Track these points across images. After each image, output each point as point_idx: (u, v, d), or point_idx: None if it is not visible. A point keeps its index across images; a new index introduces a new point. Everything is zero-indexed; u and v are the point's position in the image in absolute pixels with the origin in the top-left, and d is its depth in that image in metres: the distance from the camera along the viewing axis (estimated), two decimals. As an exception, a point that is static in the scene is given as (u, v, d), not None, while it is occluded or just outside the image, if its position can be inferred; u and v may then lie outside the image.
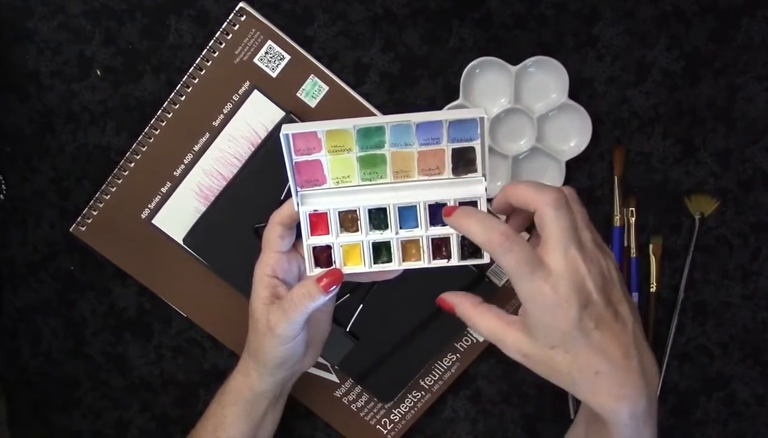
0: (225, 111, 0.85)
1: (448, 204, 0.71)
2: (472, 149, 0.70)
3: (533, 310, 0.62)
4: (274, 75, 0.84)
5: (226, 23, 0.83)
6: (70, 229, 0.89)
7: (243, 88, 0.84)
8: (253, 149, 0.85)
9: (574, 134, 0.85)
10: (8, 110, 0.87)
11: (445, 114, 0.69)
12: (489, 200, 0.71)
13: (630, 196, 0.86)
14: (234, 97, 0.85)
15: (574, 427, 0.75)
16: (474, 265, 0.86)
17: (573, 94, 0.83)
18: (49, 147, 0.88)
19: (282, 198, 0.84)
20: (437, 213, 0.71)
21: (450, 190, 0.71)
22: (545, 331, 0.61)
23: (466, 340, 0.90)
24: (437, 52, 0.85)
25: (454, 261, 0.72)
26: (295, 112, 0.84)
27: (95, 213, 0.88)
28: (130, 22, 0.85)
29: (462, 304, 0.68)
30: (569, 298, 0.60)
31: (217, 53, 0.83)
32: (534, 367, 0.63)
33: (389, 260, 0.73)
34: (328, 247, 0.73)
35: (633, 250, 0.87)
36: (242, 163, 0.85)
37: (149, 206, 0.88)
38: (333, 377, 0.92)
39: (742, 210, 0.87)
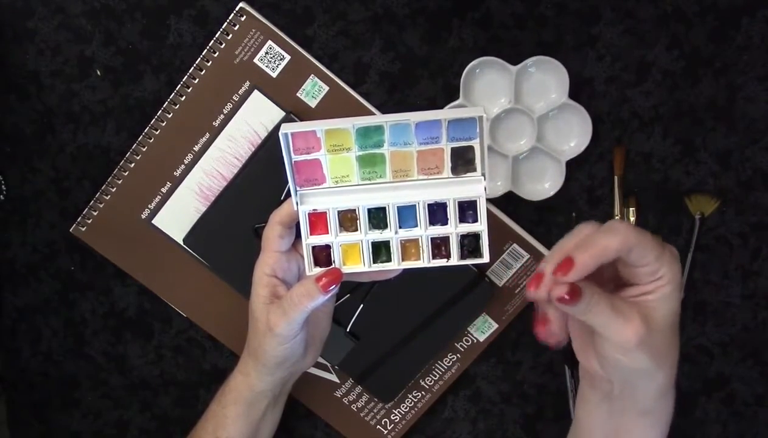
0: (225, 111, 0.85)
1: (448, 204, 0.71)
2: (471, 148, 0.70)
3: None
4: (274, 75, 0.84)
5: (226, 23, 0.83)
6: (70, 229, 0.89)
7: (243, 88, 0.84)
8: (253, 149, 0.85)
9: (574, 134, 0.84)
10: (8, 110, 0.87)
11: (444, 113, 0.69)
12: (490, 200, 0.71)
13: (630, 196, 0.86)
14: (234, 97, 0.85)
15: (592, 411, 0.72)
16: (474, 265, 0.86)
17: (573, 94, 0.83)
18: (49, 147, 0.88)
19: (282, 198, 0.84)
20: (436, 212, 0.71)
21: (449, 189, 0.71)
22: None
23: (466, 340, 0.90)
24: (437, 52, 0.85)
25: (454, 260, 0.72)
26: (295, 112, 0.84)
27: (95, 213, 0.88)
28: (130, 22, 0.85)
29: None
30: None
31: (217, 53, 0.83)
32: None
33: (389, 260, 0.73)
34: (328, 247, 0.73)
35: (633, 250, 0.87)
36: (242, 163, 0.85)
37: (149, 206, 0.88)
38: (333, 377, 0.92)
39: (742, 210, 0.87)
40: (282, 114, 0.84)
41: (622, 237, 0.60)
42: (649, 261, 0.61)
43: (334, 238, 0.72)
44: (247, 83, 0.84)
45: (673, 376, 0.66)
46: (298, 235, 0.75)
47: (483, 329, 0.90)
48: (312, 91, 0.84)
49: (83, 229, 0.88)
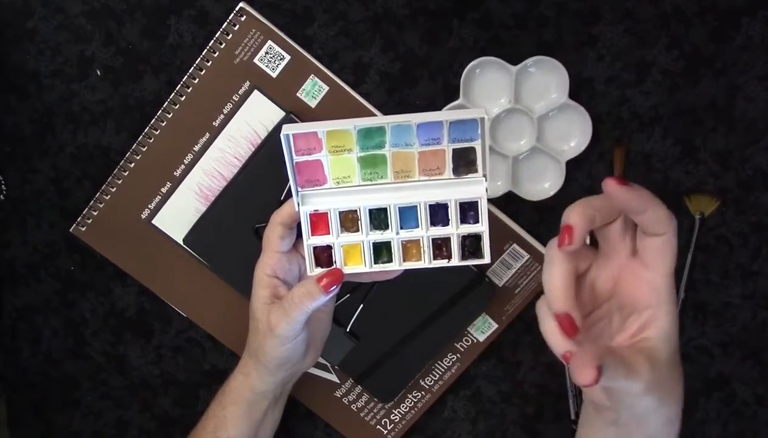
0: (225, 111, 0.85)
1: (449, 204, 0.71)
2: (472, 149, 0.70)
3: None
4: (274, 75, 0.84)
5: (226, 23, 0.83)
6: (70, 229, 0.89)
7: (243, 88, 0.84)
8: (253, 149, 0.85)
9: (574, 134, 0.85)
10: (8, 110, 0.87)
11: (446, 114, 0.69)
12: (489, 200, 0.71)
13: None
14: (234, 97, 0.85)
15: (597, 435, 0.70)
16: (474, 265, 0.86)
17: (573, 94, 0.83)
18: (49, 147, 0.88)
19: (282, 198, 0.84)
20: (438, 213, 0.71)
21: (450, 190, 0.71)
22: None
23: (466, 340, 0.90)
24: (437, 52, 0.85)
25: (455, 261, 0.72)
26: (295, 112, 0.84)
27: (95, 213, 0.88)
28: (130, 22, 0.85)
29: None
30: None
31: (217, 53, 0.83)
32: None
33: (390, 260, 0.73)
34: (329, 247, 0.73)
35: (633, 250, 0.87)
36: (242, 163, 0.85)
37: (149, 206, 0.88)
38: (333, 377, 0.92)
39: (742, 210, 0.87)
40: (282, 114, 0.84)
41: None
42: (660, 227, 0.60)
43: (336, 238, 0.72)
44: (247, 83, 0.84)
45: (680, 406, 0.65)
46: (299, 236, 0.75)
47: (483, 329, 0.90)
48: (312, 91, 0.84)
49: (83, 229, 0.88)
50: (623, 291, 0.63)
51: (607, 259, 0.64)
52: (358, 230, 0.72)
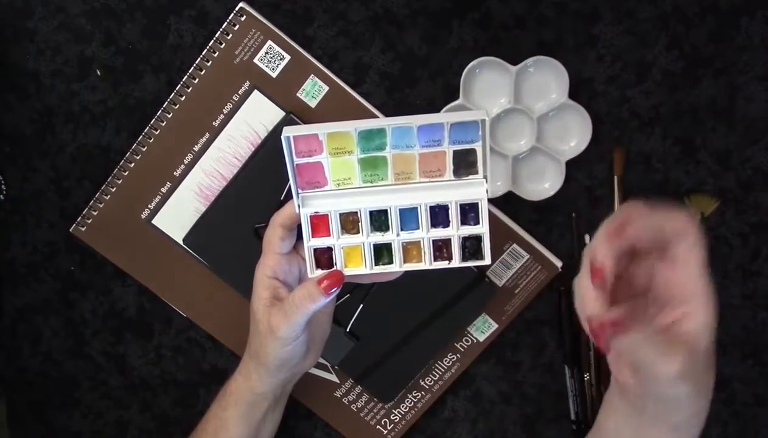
0: (225, 111, 0.85)
1: (449, 206, 0.71)
2: (473, 151, 0.70)
3: None
4: (274, 75, 0.84)
5: (226, 23, 0.82)
6: (70, 229, 0.89)
7: (243, 88, 0.84)
8: (253, 149, 0.85)
9: (574, 134, 0.85)
10: (8, 110, 0.87)
11: (447, 116, 0.69)
12: (489, 200, 0.71)
13: (630, 196, 0.86)
14: (234, 97, 0.84)
15: (620, 422, 0.69)
16: (474, 266, 0.86)
17: (573, 94, 0.83)
18: (49, 147, 0.88)
19: (282, 198, 0.84)
20: (438, 215, 0.71)
21: (451, 192, 0.71)
22: None
23: (466, 340, 0.90)
24: (437, 52, 0.85)
25: (456, 262, 0.72)
26: (296, 112, 0.84)
27: (95, 213, 0.88)
28: (130, 22, 0.85)
29: None
30: None
31: (217, 53, 0.83)
32: None
33: (390, 262, 0.73)
34: (329, 249, 0.73)
35: (633, 250, 0.87)
36: (242, 163, 0.85)
37: (149, 206, 0.88)
38: (333, 377, 0.92)
39: (742, 210, 0.87)
40: (282, 114, 0.84)
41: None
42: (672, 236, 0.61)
43: (336, 240, 0.72)
44: (247, 83, 0.84)
45: (708, 400, 0.65)
46: (299, 238, 0.75)
47: (483, 329, 0.90)
48: (312, 91, 0.84)
49: (83, 229, 0.88)
50: (658, 287, 0.63)
51: (640, 258, 0.64)
52: (358, 232, 0.72)
